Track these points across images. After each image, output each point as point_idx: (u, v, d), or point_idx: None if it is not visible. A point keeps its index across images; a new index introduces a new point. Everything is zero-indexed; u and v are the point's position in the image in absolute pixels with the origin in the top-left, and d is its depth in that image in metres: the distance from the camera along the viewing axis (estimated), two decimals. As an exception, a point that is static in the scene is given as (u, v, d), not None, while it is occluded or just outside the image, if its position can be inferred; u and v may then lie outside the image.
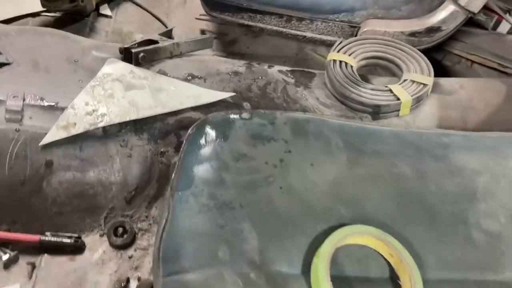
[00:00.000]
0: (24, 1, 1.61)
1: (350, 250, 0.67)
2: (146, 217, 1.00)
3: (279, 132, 0.81)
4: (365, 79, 1.22)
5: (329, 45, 1.36)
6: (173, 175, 0.75)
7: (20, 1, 1.62)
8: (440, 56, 1.41)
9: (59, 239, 0.94)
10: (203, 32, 1.54)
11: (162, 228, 0.68)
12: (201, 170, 0.74)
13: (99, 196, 0.99)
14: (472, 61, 1.36)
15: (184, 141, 0.80)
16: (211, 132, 0.79)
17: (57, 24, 1.54)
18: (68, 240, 0.94)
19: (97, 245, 0.96)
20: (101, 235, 0.97)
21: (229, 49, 1.51)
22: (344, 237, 0.67)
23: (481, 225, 0.73)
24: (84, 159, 0.99)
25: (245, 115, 0.82)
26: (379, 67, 1.26)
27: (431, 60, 1.19)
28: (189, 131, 0.81)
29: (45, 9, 1.60)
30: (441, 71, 1.32)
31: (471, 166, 0.81)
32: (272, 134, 0.80)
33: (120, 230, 0.97)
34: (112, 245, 0.96)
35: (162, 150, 1.04)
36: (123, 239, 0.96)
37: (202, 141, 0.78)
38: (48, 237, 0.93)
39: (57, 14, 1.64)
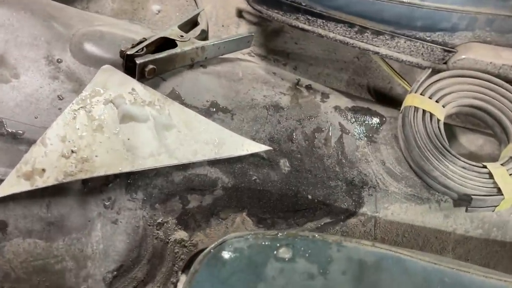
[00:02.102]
0: None
1: None
2: (129, 307, 0.75)
3: (333, 294, 0.51)
4: (447, 129, 0.88)
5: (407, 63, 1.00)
6: None
7: None
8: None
9: (9, 329, 0.70)
10: (240, 12, 1.17)
11: None
12: None
13: (69, 273, 0.73)
14: None
15: (185, 283, 0.51)
16: (226, 280, 0.50)
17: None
18: (21, 332, 0.70)
19: None
20: (67, 325, 0.73)
21: (271, 43, 1.14)
22: None
23: None
24: (52, 222, 0.72)
25: (283, 252, 0.52)
26: (472, 117, 0.92)
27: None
28: (194, 266, 0.52)
29: None
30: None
31: None
32: (322, 298, 0.51)
33: (93, 323, 0.73)
34: None
35: (160, 220, 0.76)
36: (94, 337, 0.72)
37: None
38: (-5, 325, 0.70)
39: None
